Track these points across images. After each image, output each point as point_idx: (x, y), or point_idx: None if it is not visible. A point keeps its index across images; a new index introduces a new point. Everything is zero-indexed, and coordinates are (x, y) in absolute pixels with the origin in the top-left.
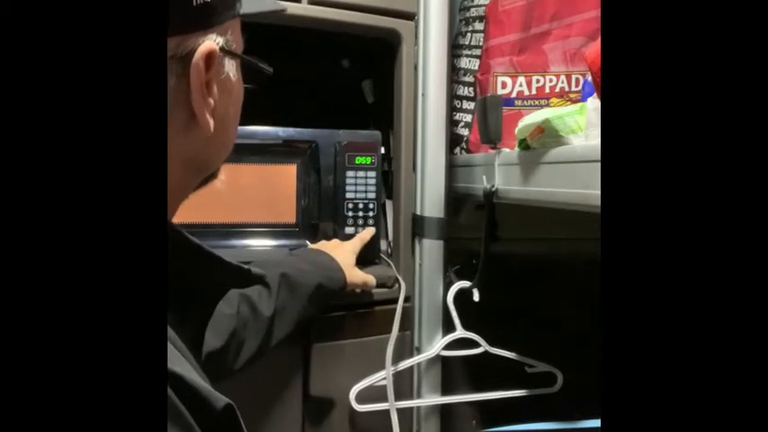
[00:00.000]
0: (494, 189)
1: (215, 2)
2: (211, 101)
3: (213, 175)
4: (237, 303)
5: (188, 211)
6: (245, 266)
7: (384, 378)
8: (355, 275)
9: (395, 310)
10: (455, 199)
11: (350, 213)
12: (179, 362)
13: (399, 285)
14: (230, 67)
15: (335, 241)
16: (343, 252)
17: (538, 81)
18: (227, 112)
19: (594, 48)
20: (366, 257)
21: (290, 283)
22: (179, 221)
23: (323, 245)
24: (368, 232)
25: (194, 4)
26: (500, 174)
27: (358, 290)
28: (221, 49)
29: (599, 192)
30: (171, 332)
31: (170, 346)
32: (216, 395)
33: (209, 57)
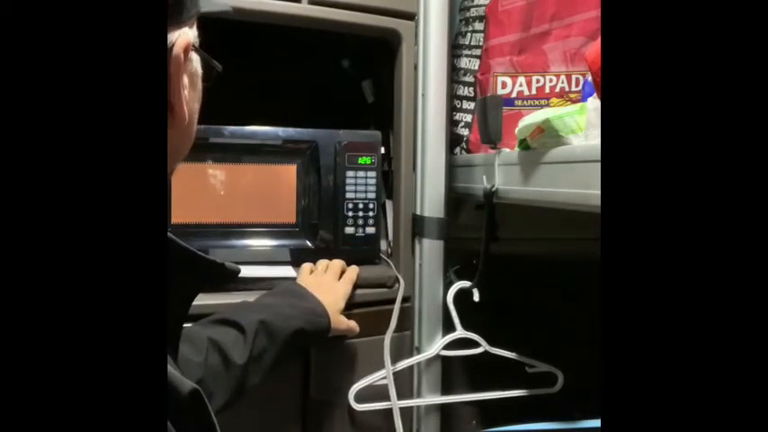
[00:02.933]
0: (494, 189)
1: None
2: (185, 92)
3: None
4: (206, 350)
5: (188, 211)
6: (219, 261)
7: (383, 377)
8: (340, 322)
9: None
10: (455, 199)
11: (350, 213)
12: None
13: (399, 284)
14: (196, 62)
15: (329, 279)
16: (333, 295)
17: (538, 81)
18: (193, 105)
19: (594, 48)
20: (366, 258)
21: (268, 330)
22: (179, 221)
23: (315, 282)
24: (353, 271)
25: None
26: (500, 174)
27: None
28: (192, 43)
29: (599, 192)
30: None
31: None
32: (182, 380)
33: (186, 50)
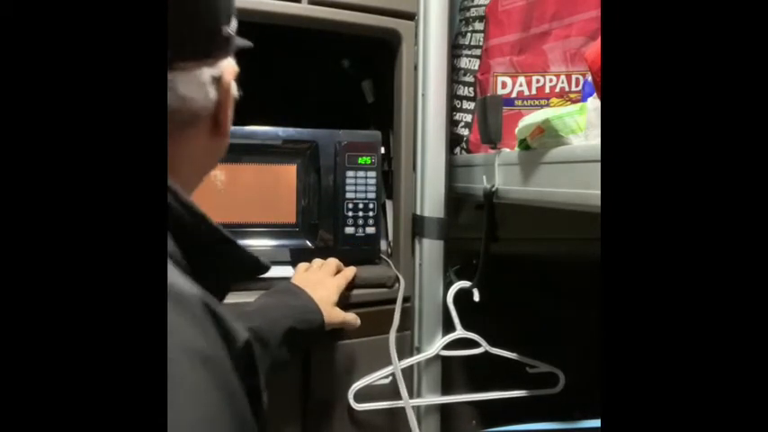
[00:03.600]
0: (494, 189)
1: (233, 33)
2: (230, 112)
3: None
4: None
5: None
6: (255, 255)
7: (384, 377)
8: (335, 315)
9: (394, 310)
10: (455, 199)
11: (350, 213)
12: (210, 297)
13: (399, 282)
14: (234, 86)
15: (321, 274)
16: (325, 289)
17: (538, 81)
18: (231, 122)
19: (594, 48)
20: (366, 258)
21: (258, 337)
22: None
23: (307, 278)
24: (351, 270)
25: (223, 34)
26: (500, 174)
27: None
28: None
29: (599, 192)
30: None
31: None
32: (239, 329)
33: (233, 77)
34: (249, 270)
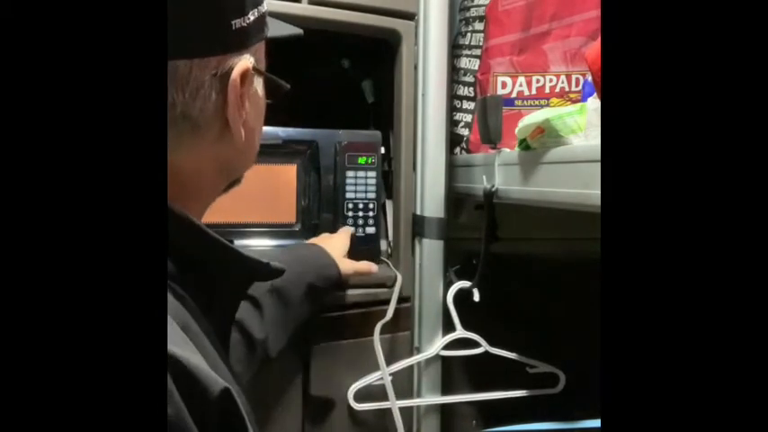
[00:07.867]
0: (494, 189)
1: (250, 27)
2: (244, 114)
3: (237, 180)
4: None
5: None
6: (264, 260)
7: (382, 377)
8: (348, 265)
9: (395, 309)
10: (455, 199)
11: (350, 213)
12: (182, 344)
13: (396, 279)
14: (258, 84)
15: (324, 235)
16: (333, 243)
17: (538, 81)
18: (254, 124)
19: (594, 48)
20: (366, 258)
21: (280, 295)
22: None
23: (316, 239)
24: (347, 231)
25: (233, 28)
26: (500, 174)
27: (355, 279)
28: (253, 67)
29: (599, 192)
30: (189, 318)
31: (175, 329)
32: (214, 379)
33: (244, 74)
34: (262, 275)
